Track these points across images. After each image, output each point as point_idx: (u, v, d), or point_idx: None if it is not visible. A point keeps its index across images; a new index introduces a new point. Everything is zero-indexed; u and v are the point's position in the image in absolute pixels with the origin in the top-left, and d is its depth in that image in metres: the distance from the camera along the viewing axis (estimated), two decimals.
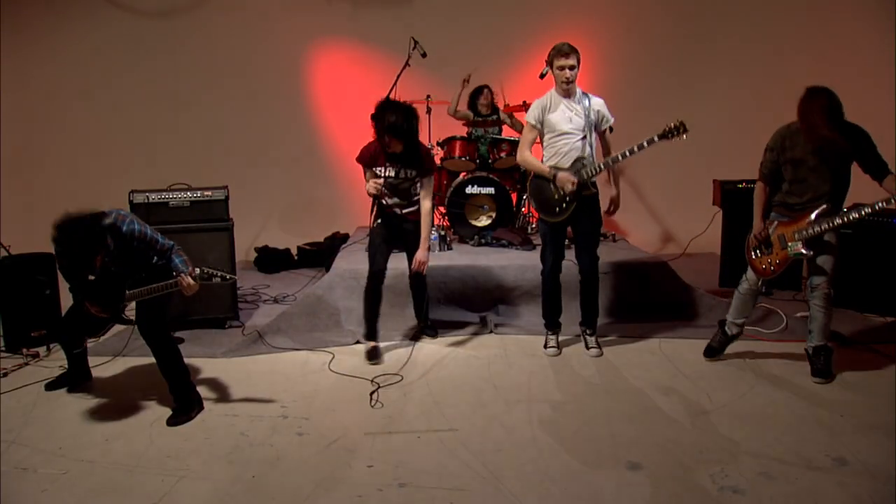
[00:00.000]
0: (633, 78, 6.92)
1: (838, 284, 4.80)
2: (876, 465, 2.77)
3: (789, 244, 3.56)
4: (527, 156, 3.96)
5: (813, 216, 3.48)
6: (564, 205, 3.86)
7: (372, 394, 3.51)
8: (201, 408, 3.35)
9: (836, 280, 3.60)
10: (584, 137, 3.82)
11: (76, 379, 3.66)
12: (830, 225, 3.43)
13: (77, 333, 3.53)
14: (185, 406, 3.29)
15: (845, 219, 3.38)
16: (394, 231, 4.07)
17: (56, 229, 2.87)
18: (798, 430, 3.10)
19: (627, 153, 3.68)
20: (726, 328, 3.95)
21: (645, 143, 3.60)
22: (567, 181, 3.73)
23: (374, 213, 4.07)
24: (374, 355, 4.02)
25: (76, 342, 3.56)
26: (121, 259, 3.09)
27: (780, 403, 3.40)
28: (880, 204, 3.24)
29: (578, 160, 3.81)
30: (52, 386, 3.63)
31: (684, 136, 3.50)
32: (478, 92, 6.09)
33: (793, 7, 6.66)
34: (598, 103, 3.87)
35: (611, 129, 3.96)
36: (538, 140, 3.99)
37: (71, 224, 2.87)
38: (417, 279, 4.21)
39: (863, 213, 3.32)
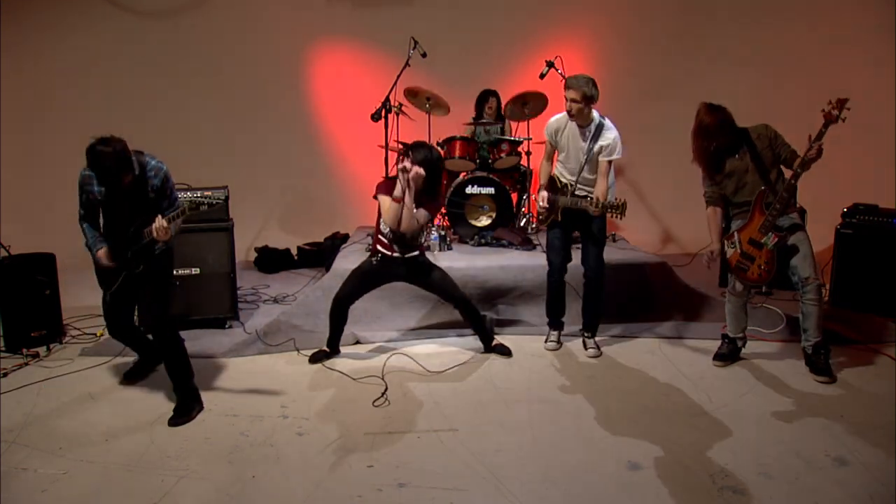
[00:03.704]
0: (635, 77, 6.91)
1: (839, 285, 4.87)
2: (876, 465, 2.77)
3: (762, 241, 3.63)
4: (541, 165, 4.24)
5: (763, 205, 3.64)
6: (547, 213, 4.13)
7: (384, 393, 3.51)
8: (201, 408, 3.36)
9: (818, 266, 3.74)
10: (582, 166, 3.98)
11: (148, 363, 3.78)
12: (781, 204, 3.56)
13: (122, 319, 3.56)
14: (186, 406, 3.30)
15: (786, 190, 3.55)
16: (391, 274, 3.99)
17: (98, 140, 3.00)
18: (798, 430, 3.10)
19: (575, 204, 3.87)
20: (731, 341, 3.97)
21: (590, 203, 3.77)
22: (540, 199, 4.10)
23: (374, 248, 3.98)
24: (318, 358, 4.03)
25: (127, 330, 3.63)
26: (145, 198, 3.21)
27: (780, 403, 3.40)
28: (798, 168, 3.50)
29: (564, 186, 4.05)
30: (129, 376, 3.74)
31: (620, 217, 3.64)
32: (485, 98, 6.12)
33: (796, 7, 6.65)
34: (606, 137, 3.91)
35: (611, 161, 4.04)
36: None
37: (114, 140, 3.03)
38: (462, 302, 4.04)
39: (792, 179, 3.52)
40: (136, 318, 3.80)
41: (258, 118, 7.01)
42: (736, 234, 3.75)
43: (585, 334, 4.24)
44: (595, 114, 3.95)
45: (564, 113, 3.98)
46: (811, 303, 3.67)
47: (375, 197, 3.85)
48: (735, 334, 3.95)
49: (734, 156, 3.71)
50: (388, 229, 3.85)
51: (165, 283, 3.42)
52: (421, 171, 3.68)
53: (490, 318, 4.48)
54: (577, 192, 4.00)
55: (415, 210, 3.75)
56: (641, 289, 4.83)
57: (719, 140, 3.65)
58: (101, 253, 3.32)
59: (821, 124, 3.42)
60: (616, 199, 3.68)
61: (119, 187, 3.12)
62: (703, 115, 3.68)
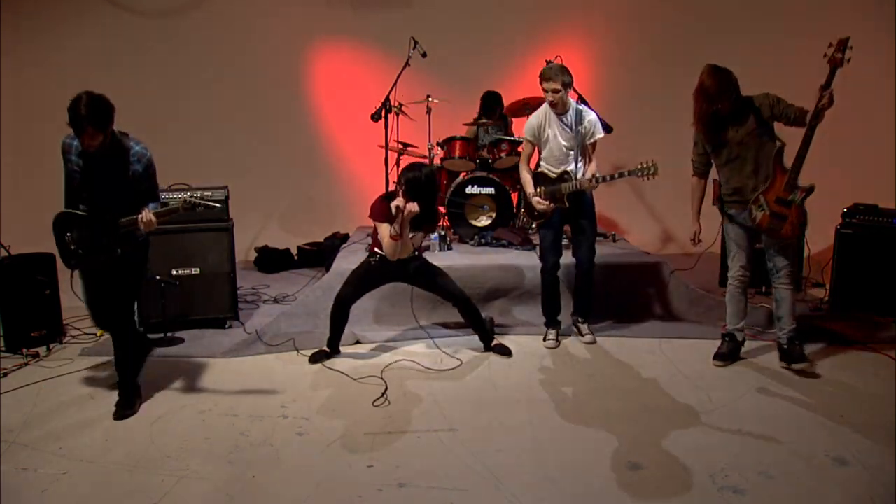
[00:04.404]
0: (634, 76, 6.92)
1: (839, 285, 4.87)
2: (876, 465, 2.77)
3: (790, 198, 3.58)
4: (522, 172, 4.27)
5: (782, 165, 3.58)
6: (550, 209, 4.14)
7: (384, 393, 3.51)
8: (141, 402, 3.42)
9: (799, 264, 3.83)
10: (572, 152, 4.09)
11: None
12: (801, 160, 3.50)
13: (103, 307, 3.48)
14: (130, 400, 3.36)
15: (805, 147, 3.48)
16: (391, 274, 4.03)
17: (88, 91, 3.04)
18: (798, 430, 3.10)
19: (601, 179, 3.96)
20: (733, 336, 3.96)
21: (616, 175, 3.96)
22: (538, 204, 4.10)
23: (372, 251, 4.01)
24: (318, 358, 4.02)
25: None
26: (124, 181, 3.18)
27: (780, 403, 3.40)
28: (812, 120, 3.41)
29: (564, 173, 4.11)
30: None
31: (653, 177, 3.81)
32: (491, 105, 6.06)
33: (795, 8, 6.65)
34: (589, 120, 4.10)
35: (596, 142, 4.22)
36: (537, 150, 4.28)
37: (102, 97, 3.06)
38: (462, 301, 4.08)
39: (808, 132, 3.43)
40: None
41: (258, 118, 7.01)
42: (761, 196, 3.66)
43: (579, 320, 4.36)
44: (570, 100, 4.09)
45: (542, 108, 4.13)
46: (783, 287, 3.74)
47: (371, 217, 3.92)
48: (735, 325, 3.93)
49: (738, 124, 3.64)
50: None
51: (138, 276, 3.42)
52: (415, 208, 3.73)
53: (490, 318, 4.49)
54: (567, 180, 4.08)
55: (411, 235, 3.84)
56: (642, 289, 4.83)
57: (721, 104, 3.58)
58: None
59: (821, 99, 3.36)
60: (643, 162, 3.80)
61: (88, 154, 3.11)
62: (705, 76, 3.60)
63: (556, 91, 3.94)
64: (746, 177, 3.69)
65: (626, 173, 3.90)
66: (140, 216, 3.13)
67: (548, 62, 5.67)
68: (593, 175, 4.00)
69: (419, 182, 3.75)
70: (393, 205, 3.71)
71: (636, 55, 6.94)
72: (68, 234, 3.30)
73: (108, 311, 3.42)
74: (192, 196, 3.19)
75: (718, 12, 6.81)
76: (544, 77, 3.96)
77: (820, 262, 5.50)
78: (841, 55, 3.31)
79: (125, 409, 3.32)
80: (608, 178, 3.95)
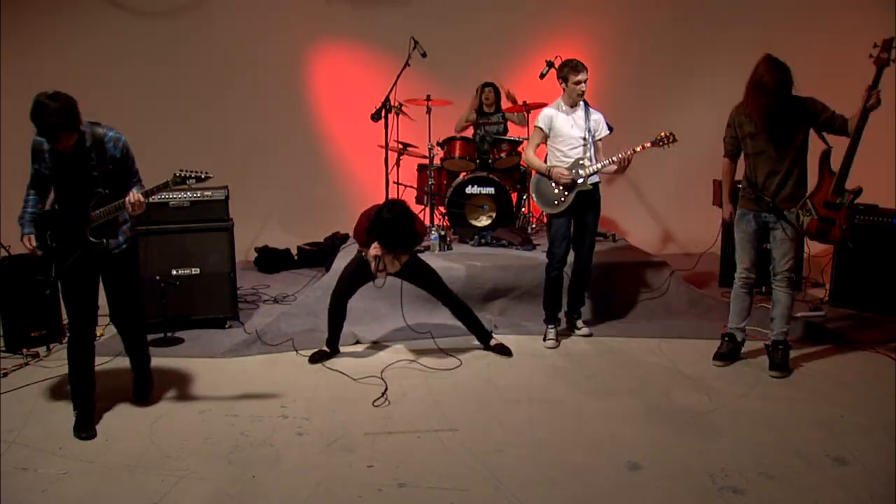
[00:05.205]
0: (633, 77, 6.91)
1: (839, 285, 4.87)
2: (876, 465, 2.77)
3: (838, 202, 3.53)
4: (530, 155, 4.31)
5: (829, 168, 3.53)
6: (563, 198, 4.16)
7: (384, 393, 3.51)
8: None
9: (798, 265, 3.79)
10: (584, 143, 4.15)
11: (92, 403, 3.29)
12: (849, 162, 3.46)
13: (89, 317, 3.31)
14: (149, 382, 3.48)
15: (853, 149, 3.43)
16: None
17: (46, 94, 2.97)
18: (798, 429, 3.10)
19: (622, 158, 4.01)
20: (733, 336, 3.95)
21: (639, 149, 3.96)
22: (561, 175, 4.10)
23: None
24: (318, 358, 4.01)
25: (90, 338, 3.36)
26: (105, 174, 3.07)
27: (781, 403, 3.40)
28: (860, 122, 3.40)
29: (577, 160, 4.11)
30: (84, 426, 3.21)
31: (670, 145, 3.90)
32: (482, 88, 6.15)
33: (794, 8, 6.65)
34: (597, 116, 4.24)
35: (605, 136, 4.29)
36: (544, 142, 4.30)
37: (62, 96, 2.94)
38: (452, 300, 4.09)
39: (856, 134, 3.40)
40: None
41: (258, 118, 7.01)
42: (808, 201, 3.60)
43: (574, 316, 4.44)
44: None
45: (555, 102, 4.20)
46: (780, 289, 3.74)
47: (356, 239, 3.91)
48: (737, 324, 3.91)
49: (798, 125, 3.54)
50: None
51: (136, 275, 3.34)
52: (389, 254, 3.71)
53: (490, 318, 4.49)
54: (583, 165, 4.12)
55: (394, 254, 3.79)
56: (642, 289, 4.84)
57: (779, 103, 3.46)
58: (27, 239, 3.22)
59: (862, 101, 3.34)
60: (660, 133, 3.88)
61: (62, 153, 3.02)
62: (762, 71, 3.48)
63: (586, 81, 4.04)
64: (765, 176, 3.64)
65: (646, 145, 3.93)
66: (127, 198, 3.00)
67: (547, 62, 5.72)
68: (612, 157, 4.04)
69: (389, 225, 3.61)
70: (370, 256, 3.68)
71: (637, 56, 6.93)
72: (48, 232, 3.21)
73: (123, 313, 3.33)
74: (181, 171, 3.03)
75: (717, 13, 6.80)
76: (577, 69, 4.02)
77: (820, 262, 5.50)
78: (887, 55, 3.31)
79: (149, 392, 3.47)
80: (628, 153, 3.98)
